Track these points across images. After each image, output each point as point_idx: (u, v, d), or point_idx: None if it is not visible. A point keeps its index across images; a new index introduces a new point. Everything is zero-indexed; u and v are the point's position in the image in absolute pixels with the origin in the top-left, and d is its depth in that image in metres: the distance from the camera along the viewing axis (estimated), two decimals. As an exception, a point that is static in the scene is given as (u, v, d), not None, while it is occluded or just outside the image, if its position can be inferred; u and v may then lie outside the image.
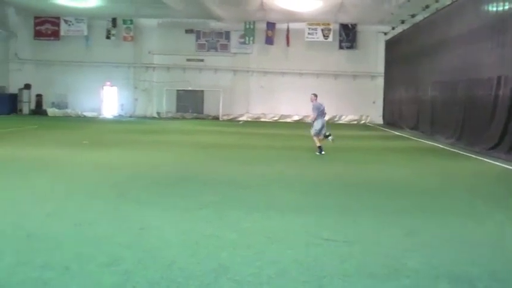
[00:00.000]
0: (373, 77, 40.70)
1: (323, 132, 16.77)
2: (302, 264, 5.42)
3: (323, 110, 16.98)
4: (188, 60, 41.37)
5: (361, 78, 40.75)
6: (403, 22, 33.20)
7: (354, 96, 40.42)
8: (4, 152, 15.39)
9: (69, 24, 40.80)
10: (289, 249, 5.89)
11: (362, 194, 9.78)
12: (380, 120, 39.56)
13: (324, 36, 39.61)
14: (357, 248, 6.06)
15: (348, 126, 36.54)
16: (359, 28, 40.12)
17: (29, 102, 41.99)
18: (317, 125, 16.69)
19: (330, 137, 16.89)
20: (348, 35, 40.15)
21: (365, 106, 40.74)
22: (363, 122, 40.60)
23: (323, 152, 16.46)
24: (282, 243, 6.14)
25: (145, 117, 40.46)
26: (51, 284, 4.73)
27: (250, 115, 41.19)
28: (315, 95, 17.23)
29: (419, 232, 6.94)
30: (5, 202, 8.13)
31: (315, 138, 16.84)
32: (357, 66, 40.47)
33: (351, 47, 40.33)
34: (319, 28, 39.63)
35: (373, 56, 40.48)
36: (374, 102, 40.46)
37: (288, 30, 40.06)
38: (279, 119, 41.01)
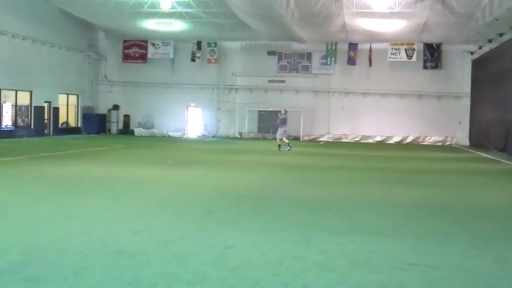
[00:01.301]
0: (458, 97, 39.58)
1: (285, 136, 25.96)
2: (387, 288, 5.33)
3: (286, 121, 26.34)
4: (270, 81, 41.78)
5: (446, 98, 39.70)
6: (490, 41, 32.20)
7: (438, 117, 39.42)
8: (94, 170, 16.04)
9: (156, 47, 42.17)
10: (374, 274, 5.79)
11: (447, 218, 9.48)
12: (466, 142, 38.32)
13: (407, 56, 39.03)
14: (444, 273, 5.89)
15: (432, 147, 35.66)
16: (444, 47, 39.18)
17: (117, 122, 43.70)
18: (281, 131, 25.83)
19: (290, 148, 25.21)
20: (433, 55, 39.29)
21: (450, 127, 39.65)
22: (448, 143, 39.45)
23: (281, 150, 25.15)
24: (366, 267, 6.05)
25: (227, 138, 41.11)
26: (140, 300, 4.88)
27: (331, 136, 40.95)
28: (286, 111, 26.89)
29: (509, 259, 6.67)
30: (95, 219, 8.42)
31: (279, 141, 25.88)
32: (442, 87, 39.48)
33: (435, 67, 39.44)
34: (403, 48, 39.10)
35: (459, 75, 39.37)
36: (460, 123, 39.31)
37: (370, 50, 39.66)
38: (360, 139, 40.55)
